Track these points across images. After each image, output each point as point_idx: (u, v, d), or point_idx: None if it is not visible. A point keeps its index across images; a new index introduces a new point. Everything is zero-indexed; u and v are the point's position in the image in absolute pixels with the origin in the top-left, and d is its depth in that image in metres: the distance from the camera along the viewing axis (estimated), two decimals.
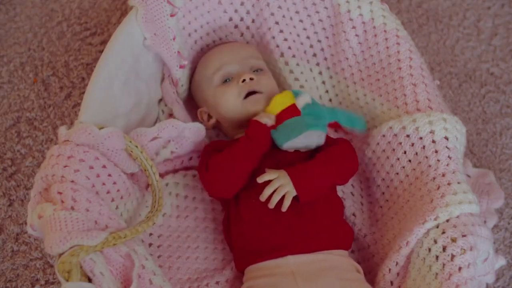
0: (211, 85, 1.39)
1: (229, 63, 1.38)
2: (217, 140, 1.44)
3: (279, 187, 1.21)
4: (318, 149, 1.31)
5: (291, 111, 1.27)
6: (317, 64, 1.53)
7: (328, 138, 1.32)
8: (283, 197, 1.21)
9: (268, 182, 1.22)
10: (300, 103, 1.28)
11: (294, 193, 1.21)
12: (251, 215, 1.24)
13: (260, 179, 1.22)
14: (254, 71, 1.39)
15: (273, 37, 1.52)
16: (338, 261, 1.21)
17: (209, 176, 1.28)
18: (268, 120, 1.27)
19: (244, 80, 1.34)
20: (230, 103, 1.35)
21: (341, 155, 1.29)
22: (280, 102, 1.30)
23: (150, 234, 1.33)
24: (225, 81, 1.38)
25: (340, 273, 1.19)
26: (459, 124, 1.27)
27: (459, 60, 1.77)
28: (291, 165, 1.25)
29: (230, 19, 1.54)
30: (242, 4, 1.52)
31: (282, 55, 1.52)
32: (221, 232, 1.38)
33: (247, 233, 1.24)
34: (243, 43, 1.54)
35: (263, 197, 1.21)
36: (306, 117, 1.26)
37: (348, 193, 1.41)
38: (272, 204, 1.20)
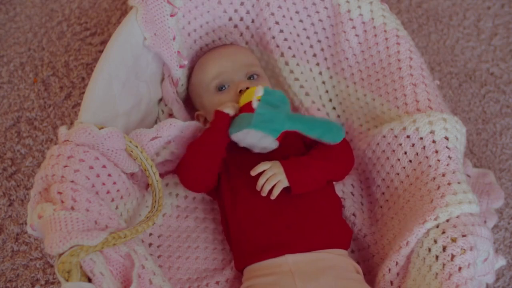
0: (208, 92, 1.40)
1: (224, 71, 1.39)
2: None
3: (272, 176, 1.22)
4: (314, 145, 1.31)
5: (250, 106, 1.25)
6: (317, 64, 1.53)
7: None
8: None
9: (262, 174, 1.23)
10: (255, 96, 1.25)
11: (286, 183, 1.22)
12: (248, 214, 1.25)
13: (254, 172, 1.23)
14: (250, 77, 1.39)
15: (273, 37, 1.52)
16: (337, 260, 1.21)
17: (180, 171, 1.31)
18: (229, 110, 1.28)
19: (241, 91, 1.34)
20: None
21: (337, 151, 1.29)
22: (248, 95, 1.28)
23: (150, 234, 1.33)
24: (221, 88, 1.38)
25: (339, 272, 1.19)
26: (459, 124, 1.27)
27: (459, 60, 1.77)
28: (285, 159, 1.26)
29: (230, 19, 1.54)
30: (242, 4, 1.52)
31: (282, 55, 1.52)
32: (221, 232, 1.39)
33: (245, 232, 1.25)
34: (240, 47, 1.53)
35: (258, 186, 1.22)
36: (256, 116, 1.22)
37: (348, 193, 1.42)
38: (264, 192, 1.21)
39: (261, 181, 1.22)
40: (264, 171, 1.23)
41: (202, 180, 1.29)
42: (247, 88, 1.34)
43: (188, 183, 1.32)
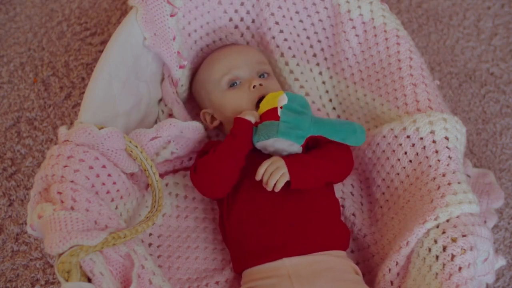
0: (219, 88, 1.39)
1: (237, 67, 1.39)
2: (212, 141, 1.43)
3: (275, 170, 1.22)
4: (315, 146, 1.31)
5: (273, 113, 1.26)
6: (317, 64, 1.53)
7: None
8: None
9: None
10: (279, 104, 1.27)
11: (287, 176, 1.22)
12: (246, 215, 1.25)
13: (258, 176, 1.22)
14: (260, 75, 1.40)
15: (273, 37, 1.52)
16: (335, 262, 1.21)
17: (198, 177, 1.29)
18: (251, 117, 1.28)
19: (254, 86, 1.34)
20: (241, 108, 1.34)
21: (337, 153, 1.29)
22: (268, 102, 1.29)
23: (150, 234, 1.33)
24: (232, 84, 1.38)
25: (337, 274, 1.19)
26: (459, 124, 1.27)
27: (459, 60, 1.77)
28: None
29: (230, 20, 1.54)
30: (242, 4, 1.52)
31: (282, 55, 1.52)
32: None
33: (242, 236, 1.24)
34: (250, 46, 1.53)
35: (263, 183, 1.22)
36: (282, 124, 1.24)
37: (348, 193, 1.41)
38: (269, 187, 1.21)
39: (265, 177, 1.22)
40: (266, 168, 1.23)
41: (222, 188, 1.28)
42: (260, 84, 1.34)
43: (208, 191, 1.31)
